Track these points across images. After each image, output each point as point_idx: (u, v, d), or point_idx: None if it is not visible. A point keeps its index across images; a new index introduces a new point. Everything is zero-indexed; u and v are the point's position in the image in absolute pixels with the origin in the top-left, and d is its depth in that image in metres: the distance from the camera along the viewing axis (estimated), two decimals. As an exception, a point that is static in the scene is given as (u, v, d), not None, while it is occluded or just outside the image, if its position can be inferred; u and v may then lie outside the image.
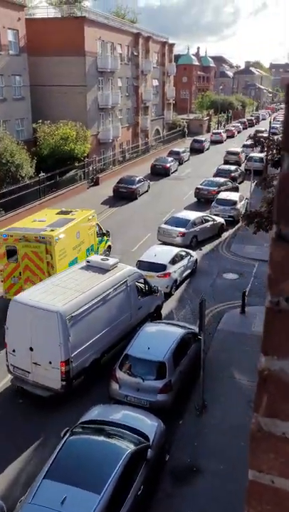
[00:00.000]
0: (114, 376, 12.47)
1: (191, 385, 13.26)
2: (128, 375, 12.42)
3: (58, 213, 19.14)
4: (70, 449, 9.25)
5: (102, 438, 9.87)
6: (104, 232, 21.47)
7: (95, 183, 36.50)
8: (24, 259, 16.40)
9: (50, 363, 12.20)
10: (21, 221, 18.62)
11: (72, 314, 12.32)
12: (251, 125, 79.21)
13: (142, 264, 18.68)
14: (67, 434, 9.61)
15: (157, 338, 13.43)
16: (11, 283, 16.95)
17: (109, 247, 22.11)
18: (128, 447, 9.24)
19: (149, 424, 10.51)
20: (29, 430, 11.76)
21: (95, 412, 10.76)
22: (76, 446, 9.45)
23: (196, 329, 13.71)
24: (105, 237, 21.58)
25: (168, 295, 18.39)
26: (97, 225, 20.83)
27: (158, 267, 18.52)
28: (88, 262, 15.16)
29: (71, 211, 19.59)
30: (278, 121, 73.46)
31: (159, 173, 39.79)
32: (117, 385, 12.38)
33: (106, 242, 21.72)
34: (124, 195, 32.39)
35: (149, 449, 9.59)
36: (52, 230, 16.74)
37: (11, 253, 16.62)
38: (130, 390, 12.17)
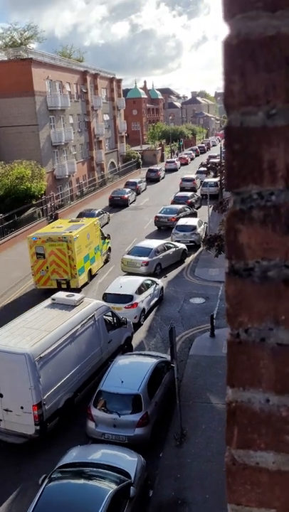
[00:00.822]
0: (90, 414, 12.18)
1: (169, 414, 13.10)
2: (103, 411, 12.17)
3: (70, 222, 24.19)
4: (50, 496, 8.89)
5: (82, 481, 9.55)
6: (106, 236, 25.83)
7: (54, 219, 36.37)
8: (51, 256, 20.97)
9: (22, 407, 11.80)
10: (43, 228, 24.27)
11: (41, 355, 12.03)
12: (203, 152, 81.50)
13: (108, 297, 18.59)
14: (46, 481, 9.26)
15: (130, 371, 13.26)
16: (40, 276, 21.54)
17: (110, 248, 26.25)
18: (110, 487, 8.98)
19: (129, 461, 10.26)
20: (5, 480, 11.24)
21: (73, 454, 10.43)
22: (56, 492, 9.10)
23: (169, 357, 13.66)
24: (106, 240, 25.75)
25: (137, 325, 18.30)
26: (100, 230, 25.09)
27: (125, 298, 18.46)
28: (53, 299, 14.96)
29: (80, 220, 24.97)
30: (228, 146, 75.63)
31: (117, 204, 40.14)
32: (93, 423, 12.09)
33: (107, 244, 25.93)
34: (84, 229, 32.28)
35: (132, 487, 9.34)
36: (70, 232, 21.47)
37: (38, 253, 21.15)
38: (107, 427, 11.90)
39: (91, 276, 23.30)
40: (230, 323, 0.65)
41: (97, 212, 33.95)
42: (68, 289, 20.22)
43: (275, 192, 0.59)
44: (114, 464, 9.91)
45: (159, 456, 11.74)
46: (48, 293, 18.65)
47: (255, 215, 0.60)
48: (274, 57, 0.54)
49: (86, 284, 22.67)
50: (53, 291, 18.15)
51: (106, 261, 25.59)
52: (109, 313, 15.86)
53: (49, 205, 36.92)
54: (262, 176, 0.59)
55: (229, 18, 0.55)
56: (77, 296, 15.25)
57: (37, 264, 21.36)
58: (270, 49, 0.54)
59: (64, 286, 21.13)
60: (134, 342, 17.36)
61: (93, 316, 14.63)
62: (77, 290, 20.56)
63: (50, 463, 10.57)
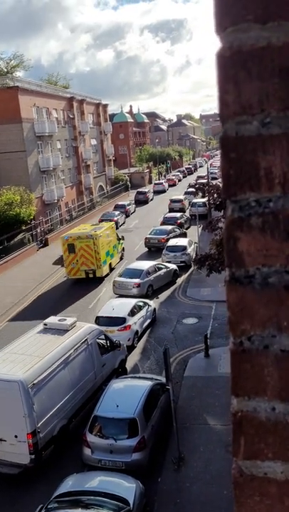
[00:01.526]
0: (86, 441, 11.96)
1: (166, 438, 12.91)
2: (99, 437, 11.96)
3: (92, 225, 29.73)
4: (47, 527, 8.65)
5: (80, 510, 9.32)
6: (120, 237, 30.46)
7: (44, 244, 36.36)
8: (80, 251, 25.66)
9: (16, 436, 11.55)
10: (72, 230, 30.21)
11: (34, 382, 11.85)
12: (190, 173, 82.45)
13: (101, 320, 18.47)
14: (42, 512, 9.01)
15: (125, 394, 13.10)
16: (71, 267, 26.12)
17: (123, 248, 30.76)
18: (108, 515, 8.76)
19: (127, 487, 10.05)
20: (0, 514, 10.93)
21: (70, 483, 10.19)
22: (53, 523, 8.86)
23: (164, 379, 13.52)
24: (121, 241, 30.43)
25: (131, 348, 18.15)
26: (116, 232, 29.87)
27: (117, 321, 18.35)
28: (45, 324, 14.81)
29: (100, 223, 31.07)
30: (215, 167, 76.99)
31: (107, 227, 40.21)
32: (89, 449, 11.87)
33: (121, 244, 30.47)
34: (75, 252, 32.27)
35: (131, 514, 9.12)
36: (95, 231, 26.46)
37: (70, 248, 25.85)
38: (103, 454, 11.68)
39: (111, 268, 27.70)
40: (233, 331, 0.64)
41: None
42: (94, 278, 26.04)
43: (272, 199, 0.60)
44: (112, 492, 9.70)
45: (157, 481, 11.52)
46: (78, 282, 26.06)
47: (254, 222, 0.61)
48: (266, 67, 0.56)
49: (107, 274, 26.97)
50: (82, 280, 25.78)
51: (121, 258, 30.01)
52: (102, 337, 15.73)
53: (39, 230, 36.92)
54: (259, 184, 0.60)
55: (221, 31, 0.57)
56: (69, 320, 15.12)
57: (68, 258, 26.18)
58: (262, 59, 0.55)
59: (91, 275, 26.08)
60: (129, 365, 17.19)
61: (86, 340, 14.50)
62: (102, 279, 26.35)
63: (46, 493, 10.31)
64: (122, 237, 31.20)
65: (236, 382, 0.65)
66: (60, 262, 31.77)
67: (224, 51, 0.57)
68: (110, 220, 40.40)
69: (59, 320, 15.07)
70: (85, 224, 32.82)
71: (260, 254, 0.61)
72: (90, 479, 10.64)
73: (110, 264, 27.64)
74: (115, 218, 41.05)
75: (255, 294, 0.62)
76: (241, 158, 0.59)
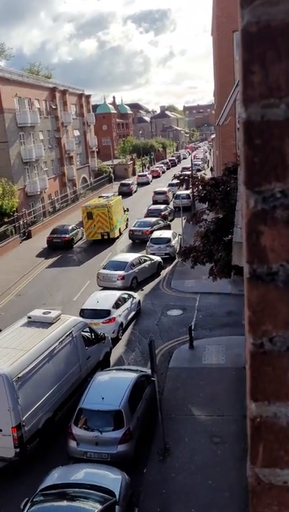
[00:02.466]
0: (71, 433, 11.93)
1: (151, 429, 12.95)
2: (85, 429, 11.94)
3: (104, 198, 35.32)
4: (33, 521, 8.61)
5: (65, 503, 9.30)
6: (126, 209, 36.42)
7: (28, 236, 35.99)
8: (97, 217, 31.44)
9: (1, 430, 11.46)
10: (90, 201, 37.12)
11: (19, 375, 11.74)
12: (174, 165, 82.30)
13: (85, 313, 18.39)
14: (28, 505, 8.97)
15: (110, 387, 13.09)
16: (89, 231, 32.09)
17: (128, 218, 36.12)
18: (94, 508, 8.77)
19: (113, 479, 10.06)
20: (-15, 508, 10.86)
21: (55, 476, 10.16)
22: (39, 516, 8.82)
23: (149, 371, 13.54)
24: (126, 212, 36.32)
25: (115, 340, 18.13)
26: (122, 204, 35.79)
27: (102, 313, 18.29)
28: (29, 317, 14.68)
29: (110, 196, 37.20)
30: (198, 158, 76.99)
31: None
32: (74, 442, 11.84)
33: (126, 215, 36.15)
34: (58, 244, 32.12)
35: (117, 505, 9.15)
36: (109, 202, 32.60)
37: (89, 215, 31.74)
38: (89, 446, 11.67)
39: (120, 232, 33.75)
40: (253, 332, 0.60)
41: (71, 227, 33.72)
42: (108, 239, 31.93)
43: (300, 190, 0.55)
44: (98, 483, 9.69)
45: (142, 472, 11.56)
46: (94, 243, 32.15)
47: (279, 215, 0.56)
48: (297, 44, 0.51)
49: (118, 237, 33.01)
50: (99, 241, 31.72)
51: (126, 226, 35.31)
52: (87, 329, 15.66)
53: (21, 222, 36.50)
54: (286, 173, 0.55)
55: (248, 4, 0.52)
56: (53, 313, 15.00)
57: (88, 224, 32.09)
58: (293, 36, 0.51)
59: (106, 237, 31.94)
60: (113, 357, 17.18)
61: (71, 332, 14.42)
62: (114, 240, 32.31)
63: (32, 486, 10.26)
64: (128, 208, 37.09)
65: (256, 386, 0.61)
66: (43, 254, 31.54)
67: (250, 26, 0.52)
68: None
69: (43, 313, 14.95)
70: (99, 197, 38.44)
71: (285, 250, 0.56)
72: (76, 472, 10.62)
73: (120, 229, 33.81)
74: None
75: (279, 293, 0.58)
76: (267, 144, 0.54)
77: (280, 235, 0.57)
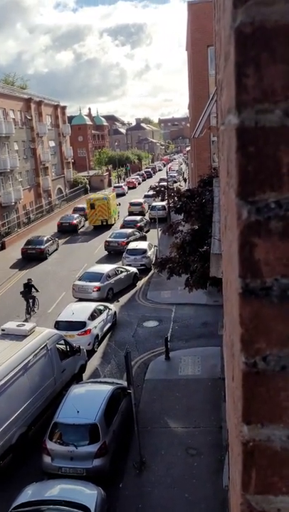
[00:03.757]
0: (45, 448, 11.68)
1: (127, 442, 12.80)
2: (59, 444, 11.71)
3: (102, 194, 43.16)
4: None
5: (39, 521, 9.06)
6: (118, 204, 44.27)
7: (1, 247, 35.49)
8: (98, 207, 39.38)
9: (-27, 446, 11.16)
10: (92, 195, 45.25)
11: (-8, 389, 11.48)
12: (149, 176, 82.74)
13: (60, 325, 18.15)
14: (0, 525, 8.70)
15: (86, 400, 12.90)
16: (92, 218, 39.94)
17: (119, 211, 43.36)
18: (69, 525, 8.56)
19: (89, 494, 9.87)
20: None
21: (29, 493, 9.89)
22: (12, 536, 8.57)
23: (124, 383, 13.41)
24: (118, 206, 43.86)
25: (91, 352, 17.93)
26: (115, 199, 43.99)
27: (77, 325, 18.10)
28: (3, 330, 14.40)
29: (108, 193, 45.15)
30: (174, 170, 77.59)
31: (66, 230, 39.74)
32: (49, 457, 11.59)
33: (119, 207, 43.93)
34: (33, 256, 31.77)
35: (93, 522, 8.95)
36: (107, 196, 41.05)
37: (92, 206, 39.61)
38: (64, 461, 11.44)
39: (114, 221, 40.75)
40: (246, 350, 0.57)
41: (45, 238, 33.42)
42: (107, 225, 39.52)
43: (296, 200, 0.52)
44: (73, 499, 9.49)
45: (119, 486, 11.39)
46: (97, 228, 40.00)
47: (273, 226, 0.53)
48: (293, 47, 0.48)
49: (113, 224, 40.12)
50: (99, 226, 39.68)
51: (118, 216, 42.11)
52: (62, 342, 15.46)
53: (-5, 233, 36.01)
54: (281, 182, 0.52)
55: (242, 4, 0.49)
56: (28, 325, 14.77)
57: (90, 212, 40.16)
58: (289, 38, 0.48)
59: (104, 223, 39.67)
60: (89, 370, 16.98)
61: (46, 345, 14.20)
62: (110, 226, 39.48)
63: (5, 504, 9.98)
64: (119, 203, 45.32)
65: (248, 408, 0.57)
66: (18, 265, 31.13)
67: (244, 27, 0.49)
68: (69, 224, 40.22)
69: (17, 325, 14.69)
70: (98, 193, 47.75)
71: (280, 264, 0.53)
72: (50, 488, 10.38)
73: (114, 219, 40.95)
74: (74, 221, 40.60)
75: (273, 309, 0.55)
76: (261, 152, 0.51)
77: (275, 247, 0.54)
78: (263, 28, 0.49)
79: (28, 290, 22.26)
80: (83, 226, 42.25)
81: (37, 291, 22.52)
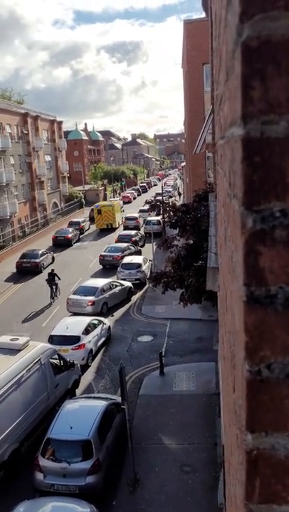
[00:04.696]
0: (38, 465, 11.51)
1: (121, 458, 12.64)
2: (52, 460, 11.54)
3: (108, 202, 51.38)
4: None
5: (31, 539, 8.88)
6: (122, 210, 51.24)
7: (-4, 260, 35.38)
8: (104, 213, 43.89)
9: None
10: (100, 202, 49.89)
11: (-15, 404, 11.34)
12: (145, 191, 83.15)
13: (54, 339, 18.03)
14: None
15: (79, 415, 12.76)
16: (98, 222, 44.26)
17: (122, 217, 47.19)
18: None
19: (81, 512, 9.70)
20: None
21: (20, 510, 9.72)
22: None
23: (118, 399, 13.29)
24: (122, 212, 49.47)
25: (85, 367, 17.80)
26: (120, 206, 51.06)
27: (71, 340, 17.98)
28: (-4, 344, 14.28)
29: (113, 200, 55.84)
30: (169, 185, 78.03)
31: (61, 244, 39.73)
32: (41, 474, 11.42)
33: (122, 212, 49.59)
34: (28, 269, 31.69)
35: None
36: (112, 203, 47.51)
37: (98, 211, 43.95)
38: (56, 478, 11.27)
39: (118, 224, 45.58)
40: (250, 358, 0.57)
41: (40, 252, 33.37)
42: (111, 228, 44.30)
43: (301, 209, 0.53)
44: (66, 518, 9.32)
45: (112, 504, 11.22)
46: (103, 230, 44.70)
47: (278, 235, 0.54)
48: (298, 60, 0.50)
49: (117, 227, 44.89)
50: (104, 230, 44.53)
51: (122, 221, 46.48)
52: (56, 356, 15.34)
53: (-10, 247, 35.92)
54: (286, 192, 0.53)
55: (248, 19, 0.51)
56: (21, 339, 14.64)
57: (97, 217, 44.74)
58: (294, 52, 0.49)
59: (109, 227, 44.50)
60: (83, 385, 16.83)
61: (39, 360, 14.08)
62: (115, 229, 44.14)
63: (-4, 522, 9.80)
64: (124, 210, 53.27)
65: (252, 416, 0.57)
66: (12, 279, 31.01)
67: (250, 41, 0.50)
68: (64, 238, 40.21)
69: (11, 339, 14.57)
70: (103, 201, 54.36)
71: (284, 272, 0.54)
72: (42, 505, 10.19)
73: (118, 223, 45.62)
74: (69, 235, 40.61)
75: (277, 316, 0.55)
76: (266, 162, 0.52)
77: (280, 256, 0.54)
78: (269, 42, 0.50)
79: (52, 278, 26.07)
80: (78, 240, 42.34)
81: (59, 279, 26.49)
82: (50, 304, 25.32)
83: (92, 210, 47.92)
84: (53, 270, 27.01)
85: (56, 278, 26.22)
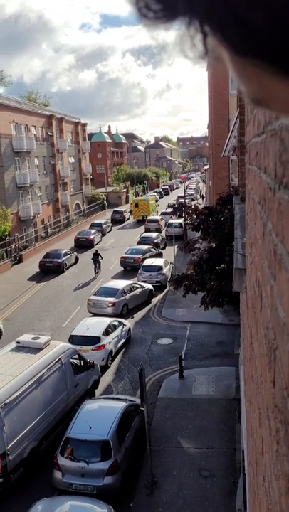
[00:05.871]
0: (56, 464, 11.59)
1: (139, 460, 12.63)
2: (71, 460, 11.61)
3: (143, 197, 61.44)
4: None
5: (49, 537, 8.94)
6: (157, 205, 58.34)
7: (19, 260, 35.82)
8: (141, 206, 52.41)
9: (-16, 459, 11.13)
10: (137, 198, 61.73)
11: (5, 401, 11.47)
12: (167, 193, 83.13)
13: (75, 339, 18.14)
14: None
15: (98, 416, 12.80)
16: (135, 214, 52.64)
17: (157, 211, 55.11)
18: None
19: (99, 513, 9.72)
20: None
21: (39, 508, 9.80)
22: None
23: (137, 400, 13.29)
24: (157, 206, 57.10)
25: (104, 368, 17.86)
26: (155, 201, 58.88)
27: (92, 340, 18.07)
28: (18, 342, 14.45)
29: (149, 196, 63.00)
30: (191, 189, 77.87)
31: (83, 245, 39.99)
32: (59, 473, 11.49)
33: (157, 207, 56.67)
34: (51, 269, 32.00)
35: None
36: (148, 197, 57.74)
37: (136, 205, 52.96)
38: (74, 477, 11.33)
39: (156, 215, 51.16)
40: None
41: (64, 252, 33.66)
42: (146, 219, 47.98)
43: None
44: (83, 517, 9.36)
45: (129, 506, 11.22)
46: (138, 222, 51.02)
47: None
48: None
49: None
50: (140, 221, 51.11)
51: (157, 214, 52.88)
52: (76, 356, 15.44)
53: (13, 246, 36.37)
54: None
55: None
56: (43, 338, 14.79)
57: (135, 210, 52.64)
58: None
59: (145, 218, 49.00)
60: (102, 385, 16.88)
61: (60, 359, 14.19)
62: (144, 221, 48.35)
63: (14, 519, 9.89)
64: (158, 204, 59.31)
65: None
66: (35, 278, 31.36)
67: None
68: (86, 239, 40.45)
69: (32, 338, 14.73)
70: (139, 197, 63.14)
71: None
72: (60, 504, 10.25)
73: (153, 215, 51.07)
74: (91, 237, 40.84)
75: None
76: None
77: None
78: None
79: (96, 258, 30.80)
80: (100, 242, 42.53)
81: (102, 258, 31.46)
82: (94, 279, 30.42)
83: (131, 204, 57.08)
84: (97, 251, 32.10)
85: (100, 257, 31.02)
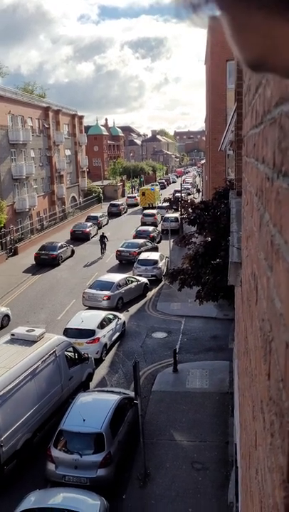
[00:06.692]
0: (50, 455, 11.62)
1: (132, 453, 12.68)
2: (64, 452, 11.64)
3: (149, 186, 66.03)
4: None
5: (41, 528, 8.97)
6: (161, 194, 62.74)
7: (14, 253, 35.72)
8: (147, 195, 57.73)
9: (-22, 450, 11.15)
10: (143, 187, 68.43)
11: None
12: (163, 187, 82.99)
13: (69, 332, 18.15)
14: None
15: (92, 408, 12.84)
16: (142, 202, 57.34)
17: (160, 199, 54.99)
18: (71, 534, 8.47)
19: (91, 504, 9.78)
20: None
21: (32, 500, 9.83)
22: None
23: (131, 393, 13.33)
24: (161, 195, 60.68)
25: (99, 361, 17.88)
26: (158, 190, 63.82)
27: (86, 333, 18.08)
28: (13, 335, 14.43)
29: (154, 185, 69.71)
30: (188, 183, 77.77)
31: (79, 238, 39.92)
32: (53, 465, 11.53)
33: (160, 196, 59.06)
34: (46, 261, 31.95)
35: (95, 533, 8.85)
36: (153, 187, 63.42)
37: (143, 193, 58.47)
38: (68, 469, 11.37)
39: (157, 204, 54.34)
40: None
41: (59, 245, 33.59)
42: (152, 206, 54.01)
43: None
44: (76, 509, 9.41)
45: (122, 498, 11.27)
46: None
47: None
48: None
49: (156, 207, 52.27)
50: (147, 208, 53.82)
51: (160, 201, 52.63)
52: (71, 349, 15.45)
53: (8, 239, 36.25)
54: None
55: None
56: (37, 331, 14.77)
57: (141, 197, 57.49)
58: None
59: (150, 206, 54.34)
60: (96, 378, 16.92)
61: (54, 351, 14.19)
62: (154, 207, 52.14)
63: (8, 510, 9.92)
64: (162, 194, 62.54)
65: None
66: (30, 270, 31.30)
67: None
68: (82, 232, 40.37)
69: (27, 330, 14.71)
70: (146, 186, 68.79)
71: None
72: (53, 496, 10.30)
73: (157, 203, 55.06)
74: (87, 229, 40.76)
75: None
76: None
77: None
78: None
79: (102, 239, 34.03)
80: (96, 235, 42.47)
81: (108, 240, 34.63)
82: (100, 258, 33.55)
83: (138, 192, 63.06)
84: (103, 233, 35.53)
85: (106, 239, 34.43)
